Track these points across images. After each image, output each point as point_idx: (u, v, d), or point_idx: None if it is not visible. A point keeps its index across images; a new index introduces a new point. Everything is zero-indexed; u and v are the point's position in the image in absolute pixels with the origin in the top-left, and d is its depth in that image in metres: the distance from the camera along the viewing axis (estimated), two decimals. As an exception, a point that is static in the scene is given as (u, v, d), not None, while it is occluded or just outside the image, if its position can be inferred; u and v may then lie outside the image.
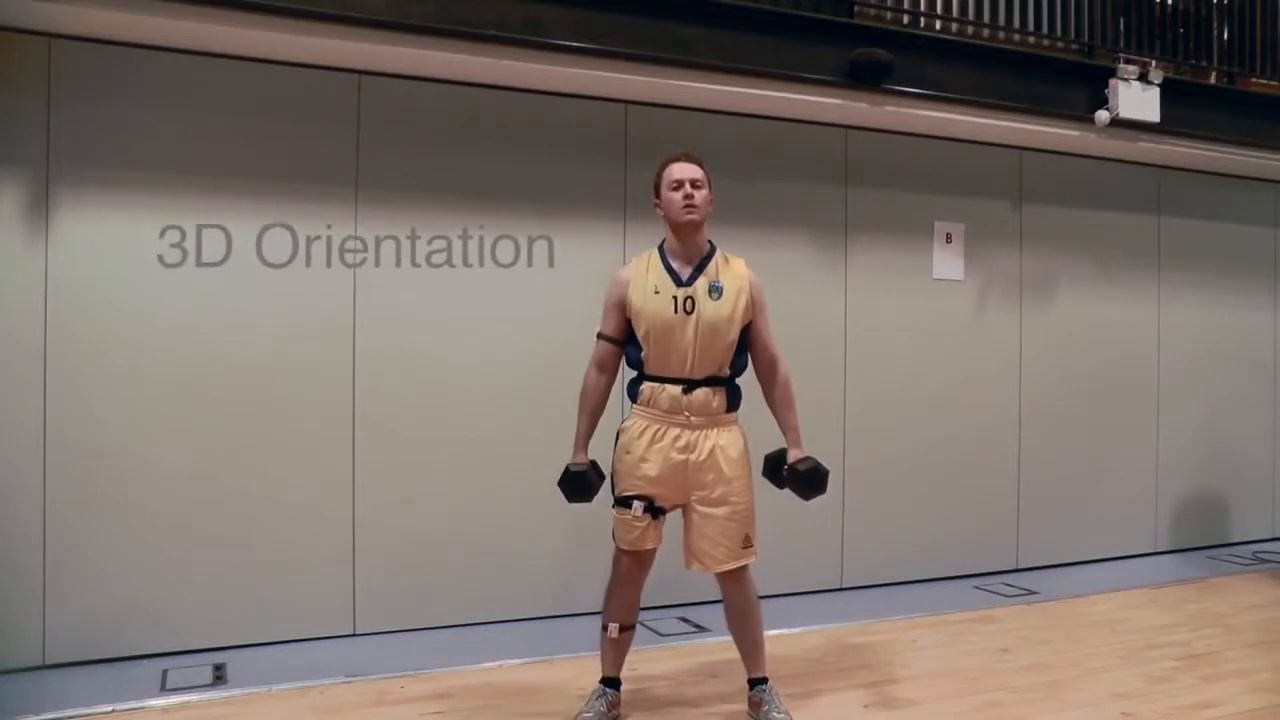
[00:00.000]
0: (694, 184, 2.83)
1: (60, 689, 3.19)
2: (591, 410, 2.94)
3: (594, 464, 2.96)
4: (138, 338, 3.50)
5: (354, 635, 3.80)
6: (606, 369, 2.94)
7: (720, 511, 2.83)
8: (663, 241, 2.92)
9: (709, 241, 2.91)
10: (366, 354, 3.82)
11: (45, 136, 3.39)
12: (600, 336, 2.94)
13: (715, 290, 2.82)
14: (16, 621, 3.35)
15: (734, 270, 2.89)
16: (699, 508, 2.85)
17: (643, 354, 2.86)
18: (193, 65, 3.57)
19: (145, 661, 3.44)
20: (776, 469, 2.98)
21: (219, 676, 3.34)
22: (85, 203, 3.44)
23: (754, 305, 2.89)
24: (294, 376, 3.71)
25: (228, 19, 3.27)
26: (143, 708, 3.05)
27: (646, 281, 2.84)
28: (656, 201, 2.91)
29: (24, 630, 3.36)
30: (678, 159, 2.90)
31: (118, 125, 3.48)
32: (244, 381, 3.64)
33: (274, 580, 3.69)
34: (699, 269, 2.85)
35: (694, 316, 2.79)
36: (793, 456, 2.94)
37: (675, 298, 2.80)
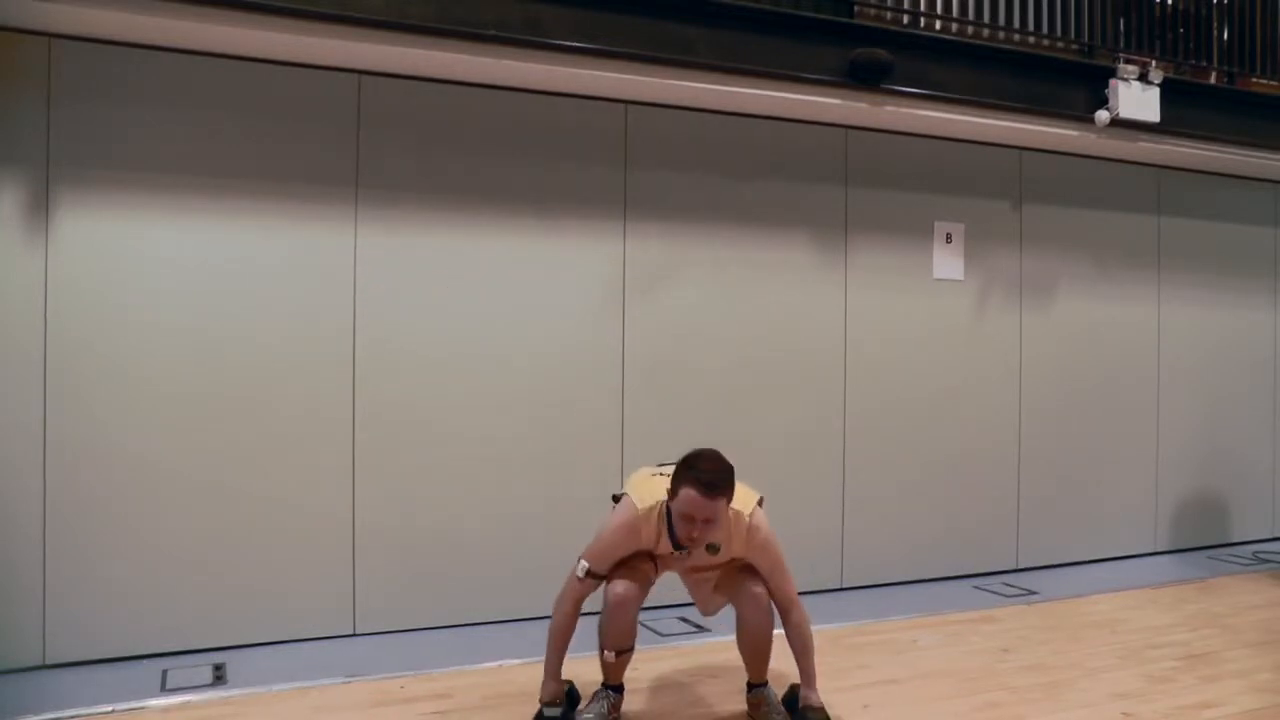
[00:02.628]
0: (705, 522, 2.65)
1: (60, 689, 3.18)
2: (561, 647, 2.85)
3: (569, 693, 2.94)
4: (137, 338, 3.50)
5: (354, 635, 3.80)
6: (581, 606, 2.84)
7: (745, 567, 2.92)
8: (669, 503, 2.73)
9: None
10: (367, 354, 3.82)
11: (45, 136, 3.39)
12: (590, 575, 2.80)
13: (713, 548, 2.84)
14: (16, 621, 3.35)
15: (735, 534, 2.81)
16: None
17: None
18: (193, 65, 3.57)
19: (145, 661, 3.44)
20: (792, 705, 2.95)
21: (219, 676, 3.33)
22: (85, 203, 3.44)
23: (758, 561, 2.85)
24: (294, 377, 3.71)
25: (228, 19, 3.27)
26: (143, 708, 3.05)
27: (652, 540, 2.81)
28: (671, 494, 2.68)
29: (24, 630, 3.36)
30: (698, 485, 2.60)
31: (118, 125, 3.48)
32: (243, 381, 3.64)
33: (274, 580, 3.69)
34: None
35: (690, 558, 2.84)
36: (804, 699, 2.90)
37: (673, 553, 2.83)
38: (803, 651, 2.89)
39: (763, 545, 2.83)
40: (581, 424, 4.16)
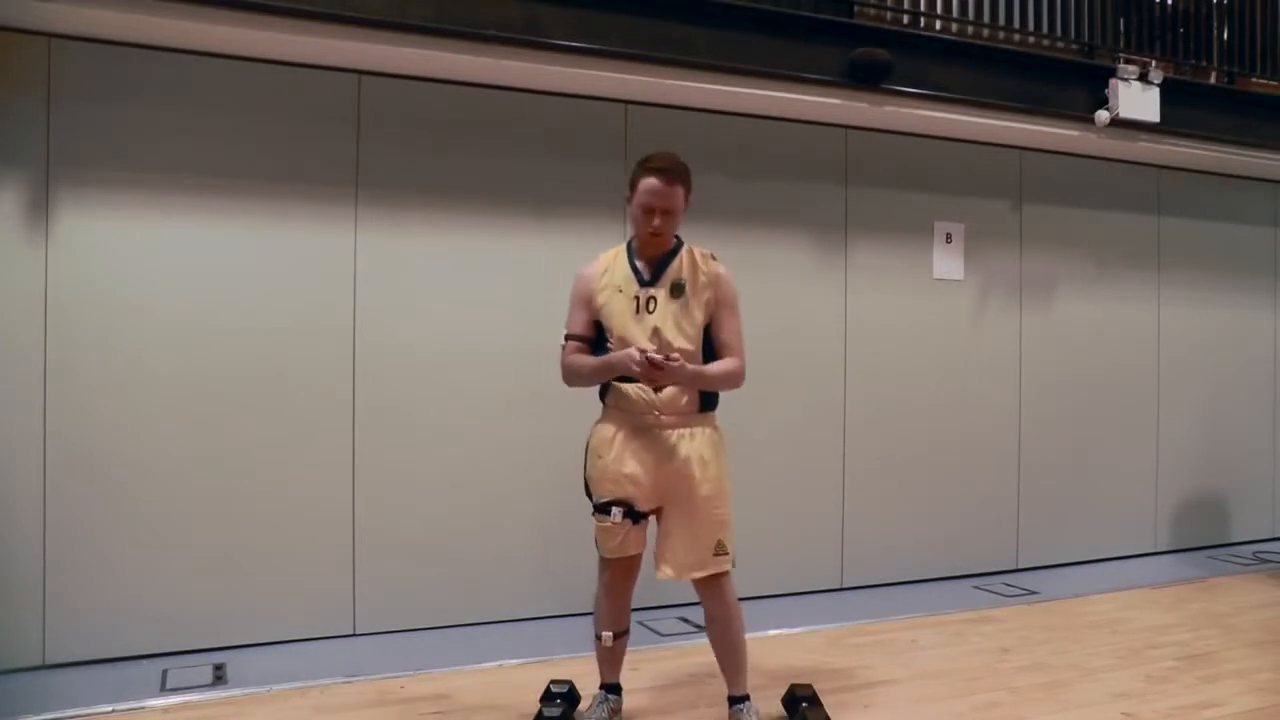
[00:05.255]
0: (664, 213, 2.68)
1: (60, 689, 3.18)
2: (589, 359, 2.77)
3: (569, 694, 2.94)
4: (137, 338, 3.50)
5: (354, 635, 3.80)
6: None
7: (693, 516, 2.73)
8: (632, 237, 2.81)
9: (675, 237, 2.81)
10: (367, 354, 3.82)
11: (45, 136, 3.39)
12: (569, 338, 2.81)
13: (678, 289, 2.74)
14: (16, 621, 3.35)
15: (701, 267, 2.77)
16: (671, 512, 2.76)
17: (609, 350, 2.78)
18: (193, 65, 3.57)
19: (145, 661, 3.44)
20: (792, 707, 2.94)
21: (219, 676, 3.34)
22: (85, 203, 3.44)
23: (718, 301, 2.78)
24: (294, 377, 3.71)
25: (228, 19, 3.27)
26: (143, 708, 3.05)
27: (611, 279, 2.77)
28: (629, 197, 2.76)
29: (24, 630, 3.36)
30: (655, 171, 2.69)
31: (118, 125, 3.48)
32: (243, 382, 3.64)
33: (274, 580, 3.69)
34: (663, 266, 2.76)
35: (655, 316, 2.73)
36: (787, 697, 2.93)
37: (637, 297, 2.74)
38: (714, 367, 2.76)
39: (729, 296, 2.80)
40: (582, 424, 4.13)
